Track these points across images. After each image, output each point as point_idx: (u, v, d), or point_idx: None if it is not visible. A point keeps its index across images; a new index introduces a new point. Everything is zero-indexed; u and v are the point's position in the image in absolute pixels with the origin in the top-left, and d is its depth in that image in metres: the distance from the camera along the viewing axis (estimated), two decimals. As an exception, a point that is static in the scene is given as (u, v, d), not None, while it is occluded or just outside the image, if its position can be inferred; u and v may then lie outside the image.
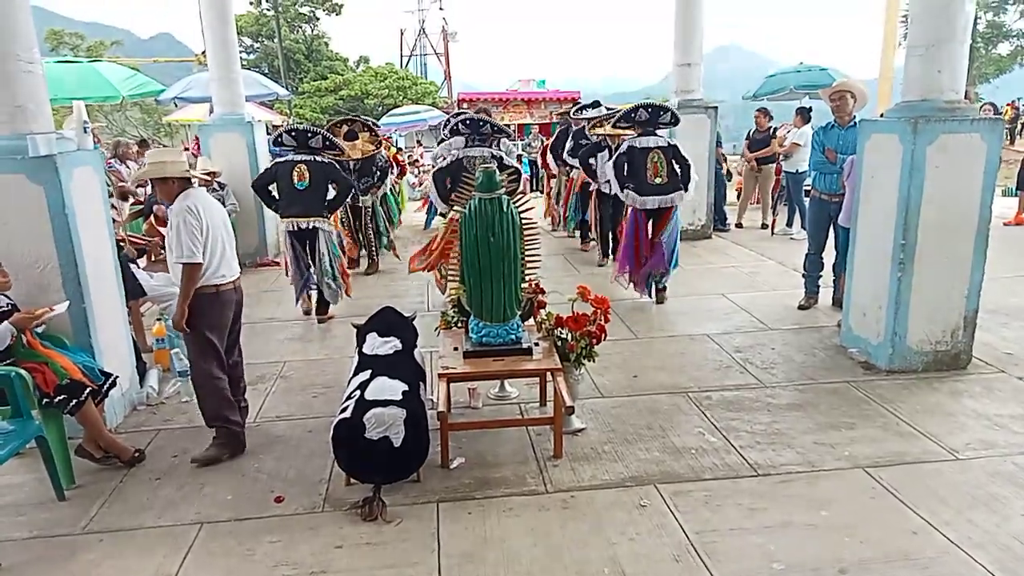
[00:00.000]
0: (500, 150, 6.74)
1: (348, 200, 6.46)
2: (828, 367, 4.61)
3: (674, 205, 6.02)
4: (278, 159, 6.01)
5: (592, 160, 7.23)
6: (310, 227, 5.77)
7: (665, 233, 6.04)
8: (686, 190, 6.06)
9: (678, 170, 6.03)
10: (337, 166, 6.00)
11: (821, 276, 5.90)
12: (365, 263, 7.92)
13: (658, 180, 6.00)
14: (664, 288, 6.31)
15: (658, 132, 6.12)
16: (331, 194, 5.90)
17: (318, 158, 5.86)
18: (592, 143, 7.44)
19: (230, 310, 3.75)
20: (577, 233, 9.01)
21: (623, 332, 5.37)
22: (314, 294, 6.08)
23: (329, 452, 3.37)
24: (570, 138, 8.57)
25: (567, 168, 8.79)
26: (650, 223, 6.10)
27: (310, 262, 5.87)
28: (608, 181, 6.54)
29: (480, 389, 4.17)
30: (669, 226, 6.05)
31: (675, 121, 6.18)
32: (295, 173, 5.76)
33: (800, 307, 5.85)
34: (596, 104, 8.35)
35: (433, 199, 6.83)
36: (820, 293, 5.92)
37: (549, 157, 9.55)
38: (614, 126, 6.66)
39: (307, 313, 6.15)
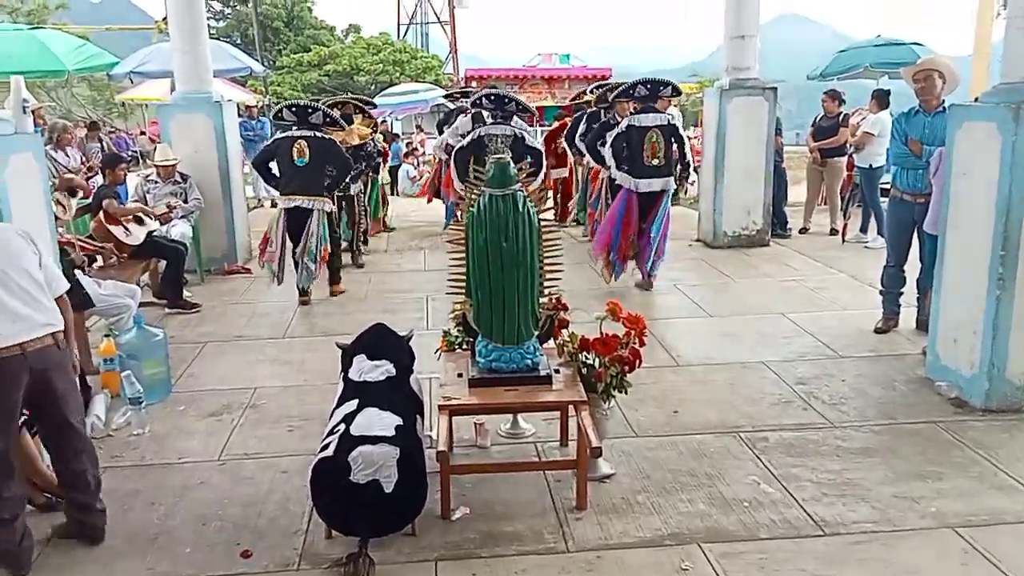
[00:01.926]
0: (524, 129, 7.59)
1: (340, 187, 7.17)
2: (911, 404, 4.57)
3: (667, 189, 6.78)
4: (278, 135, 6.83)
5: (601, 143, 7.36)
6: (307, 206, 6.55)
7: (655, 225, 6.74)
8: (684, 170, 6.97)
9: (675, 151, 6.75)
10: (338, 144, 6.81)
11: (902, 293, 5.87)
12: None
13: (655, 162, 6.70)
14: (653, 276, 7.07)
15: (659, 108, 6.82)
16: (331, 173, 6.69)
17: (318, 134, 6.64)
18: (601, 123, 7.69)
19: (14, 390, 3.01)
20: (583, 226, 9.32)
21: (661, 357, 5.36)
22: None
23: (307, 498, 3.37)
24: (584, 122, 8.75)
25: (581, 156, 9.12)
26: (641, 205, 6.76)
27: (296, 244, 6.60)
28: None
29: (489, 425, 4.16)
30: (659, 213, 6.76)
31: (676, 93, 7.03)
32: (295, 149, 6.55)
33: (877, 330, 5.82)
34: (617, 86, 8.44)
35: (455, 182, 7.76)
36: (901, 314, 5.88)
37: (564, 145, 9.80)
38: (613, 101, 7.35)
39: (304, 303, 6.84)
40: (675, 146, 6.81)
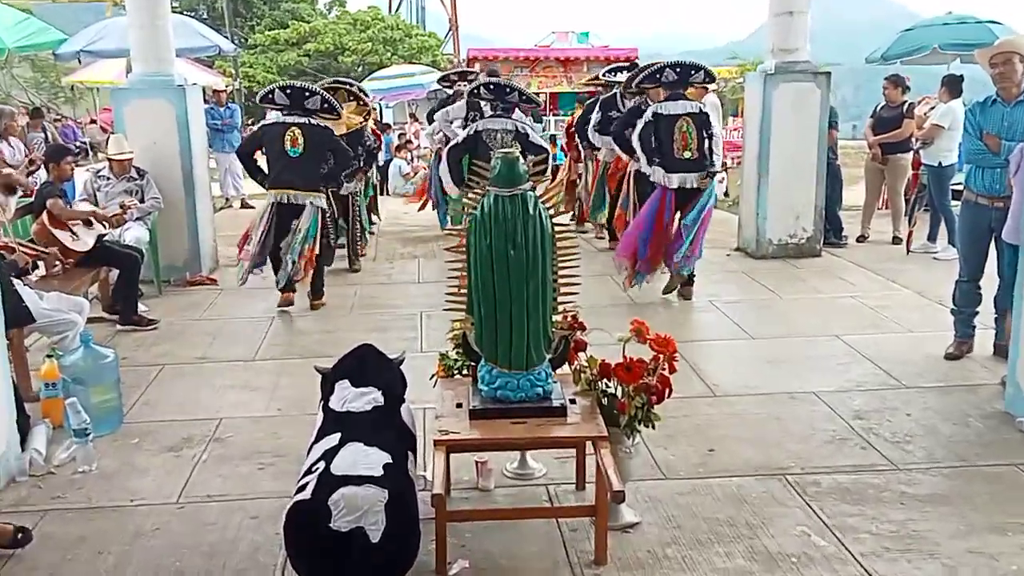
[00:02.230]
0: (526, 124, 7.85)
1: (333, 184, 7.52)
2: (987, 443, 4.55)
3: (704, 187, 6.96)
4: (266, 121, 7.05)
5: (630, 132, 7.44)
6: (300, 202, 6.79)
7: (689, 216, 6.92)
8: (712, 165, 7.02)
9: (707, 143, 6.94)
10: (336, 134, 7.07)
11: (977, 313, 5.86)
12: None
13: (687, 154, 6.90)
14: (691, 281, 7.28)
15: (690, 96, 7.06)
16: (328, 166, 6.97)
17: (314, 121, 6.85)
18: (628, 109, 7.83)
19: None
20: (605, 231, 9.60)
21: (695, 386, 5.35)
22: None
23: (280, 548, 3.37)
24: (596, 110, 8.82)
25: (592, 150, 9.45)
26: (675, 204, 6.98)
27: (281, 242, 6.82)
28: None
29: (493, 464, 4.16)
30: (698, 204, 6.95)
31: (710, 80, 7.26)
32: (287, 137, 6.74)
33: (948, 356, 5.81)
34: (633, 67, 8.59)
35: (445, 184, 8.10)
36: (976, 338, 5.87)
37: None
38: (637, 86, 7.52)
39: (286, 302, 7.08)
40: (706, 139, 7.00)
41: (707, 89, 12.96)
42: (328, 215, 7.20)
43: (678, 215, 7.05)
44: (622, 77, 8.61)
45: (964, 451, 4.46)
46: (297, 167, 6.79)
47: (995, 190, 5.51)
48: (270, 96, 6.98)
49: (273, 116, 7.29)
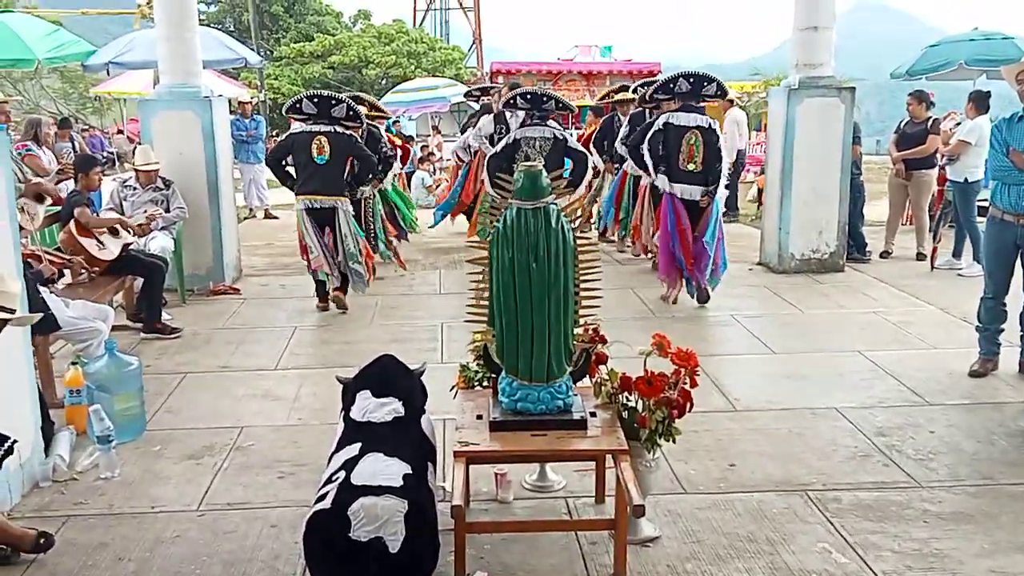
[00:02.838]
0: (565, 130, 8.27)
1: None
2: (1012, 461, 4.50)
3: (711, 200, 7.17)
4: (294, 129, 7.44)
5: (644, 146, 7.58)
6: (328, 206, 7.17)
7: (707, 233, 7.12)
8: (717, 181, 7.20)
9: (713, 157, 7.12)
10: (359, 139, 7.49)
11: (1003, 330, 5.81)
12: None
13: (691, 167, 7.11)
14: (711, 288, 7.42)
15: (702, 110, 7.23)
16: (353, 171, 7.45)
17: (339, 129, 7.25)
18: (643, 125, 7.90)
19: None
20: (625, 241, 9.83)
21: (716, 400, 5.33)
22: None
23: (299, 557, 3.38)
24: (626, 124, 9.16)
25: (613, 163, 9.73)
26: (687, 212, 7.19)
27: (334, 246, 7.23)
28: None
29: (512, 475, 4.15)
30: (710, 222, 7.15)
31: (722, 93, 7.41)
32: (315, 145, 7.13)
33: (972, 374, 5.76)
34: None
35: (488, 189, 8.44)
36: (1001, 355, 5.82)
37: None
38: (651, 97, 7.76)
39: (323, 309, 7.51)
40: (713, 154, 7.17)
41: (732, 103, 13.11)
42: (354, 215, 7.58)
43: (689, 225, 7.29)
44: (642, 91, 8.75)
45: (988, 469, 4.42)
46: (324, 173, 7.17)
47: (1021, 207, 5.46)
48: (298, 106, 7.34)
49: (298, 125, 7.53)
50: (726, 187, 11.40)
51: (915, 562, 3.59)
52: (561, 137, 8.22)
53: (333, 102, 7.29)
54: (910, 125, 9.46)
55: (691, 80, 7.20)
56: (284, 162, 7.51)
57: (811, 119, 8.69)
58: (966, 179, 8.65)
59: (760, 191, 12.09)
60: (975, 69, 12.06)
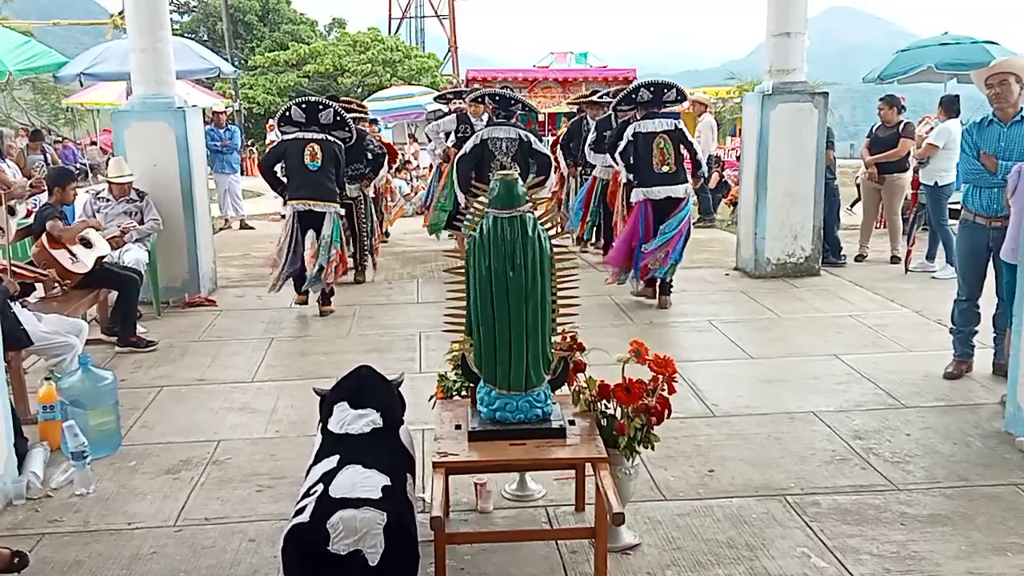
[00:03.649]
0: (529, 132, 8.54)
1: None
2: (987, 463, 4.54)
3: (686, 196, 7.51)
4: (286, 136, 7.64)
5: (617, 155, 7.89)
6: (319, 210, 7.40)
7: (670, 223, 7.38)
8: (696, 168, 7.74)
9: (686, 156, 7.50)
10: (342, 149, 7.68)
11: (976, 332, 5.86)
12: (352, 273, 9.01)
13: (665, 168, 7.41)
14: (668, 291, 7.74)
15: (663, 114, 7.55)
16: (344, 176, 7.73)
17: (330, 137, 7.55)
18: (618, 125, 8.15)
19: None
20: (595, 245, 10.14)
21: (694, 406, 5.35)
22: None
23: (278, 571, 3.35)
24: (593, 130, 9.46)
25: (587, 168, 10.02)
26: (655, 215, 7.46)
27: (305, 250, 7.40)
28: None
29: (491, 485, 4.15)
30: (678, 215, 7.44)
31: (682, 98, 7.63)
32: (307, 152, 7.41)
33: (947, 376, 5.80)
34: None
35: (458, 194, 8.76)
36: (975, 357, 5.87)
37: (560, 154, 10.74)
38: (614, 109, 8.16)
39: (303, 302, 7.74)
40: (685, 152, 7.56)
41: (705, 107, 13.29)
42: (344, 223, 7.83)
43: (659, 221, 7.53)
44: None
45: (964, 471, 4.45)
46: (316, 179, 7.42)
47: (992, 210, 5.52)
48: (287, 114, 7.58)
49: (290, 132, 7.65)
50: (700, 191, 11.64)
51: (893, 565, 3.61)
52: (526, 139, 8.44)
53: (320, 107, 7.53)
54: (882, 129, 9.55)
55: (651, 89, 7.56)
56: (275, 168, 7.78)
57: (785, 124, 8.76)
58: (936, 183, 8.74)
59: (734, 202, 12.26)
60: (945, 73, 12.19)
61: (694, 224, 12.54)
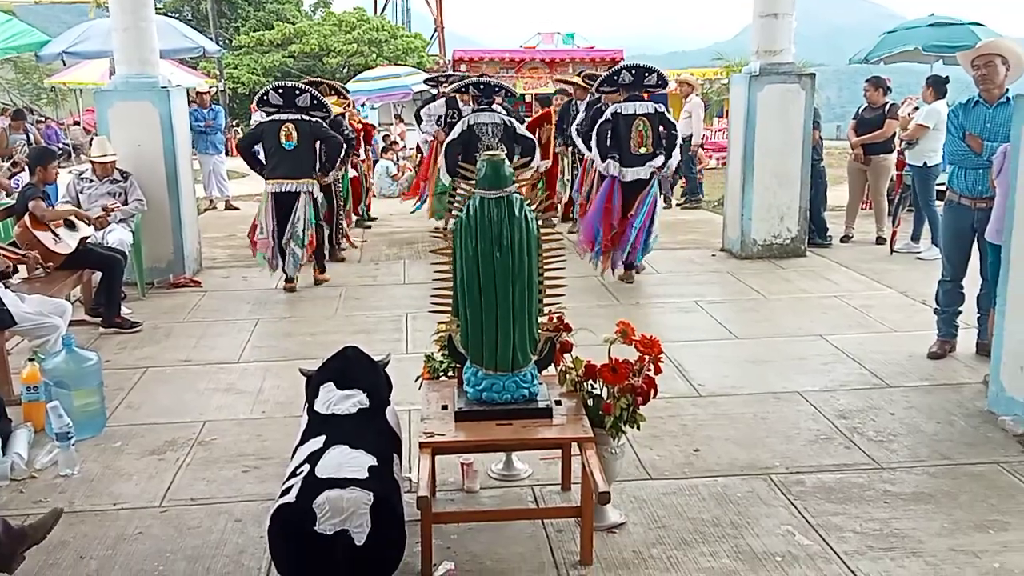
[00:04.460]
0: (512, 117, 8.87)
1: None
2: (970, 442, 4.57)
3: (652, 178, 7.72)
4: (263, 119, 7.87)
5: (592, 134, 8.05)
6: (295, 190, 7.61)
7: (638, 218, 7.62)
8: (669, 157, 7.78)
9: (663, 136, 7.68)
10: (325, 124, 7.89)
11: (960, 313, 5.90)
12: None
13: (643, 150, 7.63)
14: (634, 267, 7.94)
15: (645, 97, 7.76)
16: (321, 157, 7.86)
17: (306, 117, 7.68)
18: (594, 110, 8.34)
19: None
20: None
21: (680, 386, 5.36)
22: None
23: (264, 551, 3.36)
24: (583, 111, 9.39)
25: (568, 147, 10.23)
26: (623, 197, 7.67)
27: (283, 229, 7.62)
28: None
29: (478, 465, 4.15)
30: (645, 202, 7.65)
31: (663, 83, 7.84)
32: (282, 132, 7.59)
33: (931, 356, 5.84)
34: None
35: (442, 175, 9.15)
36: (959, 337, 5.91)
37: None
38: (597, 90, 8.22)
39: (291, 290, 7.85)
40: (663, 130, 7.73)
41: (692, 88, 13.32)
42: (319, 200, 7.98)
43: (627, 204, 7.73)
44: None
45: (947, 450, 4.49)
46: (292, 159, 7.61)
47: (977, 191, 5.54)
48: (265, 97, 7.77)
49: (267, 114, 7.81)
50: (687, 174, 11.73)
51: (876, 542, 3.64)
52: (510, 124, 8.74)
53: (297, 92, 7.70)
54: (868, 111, 9.56)
55: (633, 72, 7.70)
56: (254, 149, 7.93)
57: (772, 105, 8.75)
58: (925, 163, 8.76)
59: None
60: (932, 55, 12.20)
61: (680, 206, 12.71)
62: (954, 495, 4.02)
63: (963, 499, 3.98)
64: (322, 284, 8.09)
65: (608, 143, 7.68)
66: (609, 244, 7.76)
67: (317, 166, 7.87)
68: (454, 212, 3.69)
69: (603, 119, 7.73)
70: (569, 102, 10.53)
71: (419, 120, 11.13)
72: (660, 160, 7.72)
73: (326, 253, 8.50)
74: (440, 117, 10.28)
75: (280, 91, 7.71)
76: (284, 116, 7.64)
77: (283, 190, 7.62)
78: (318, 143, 7.82)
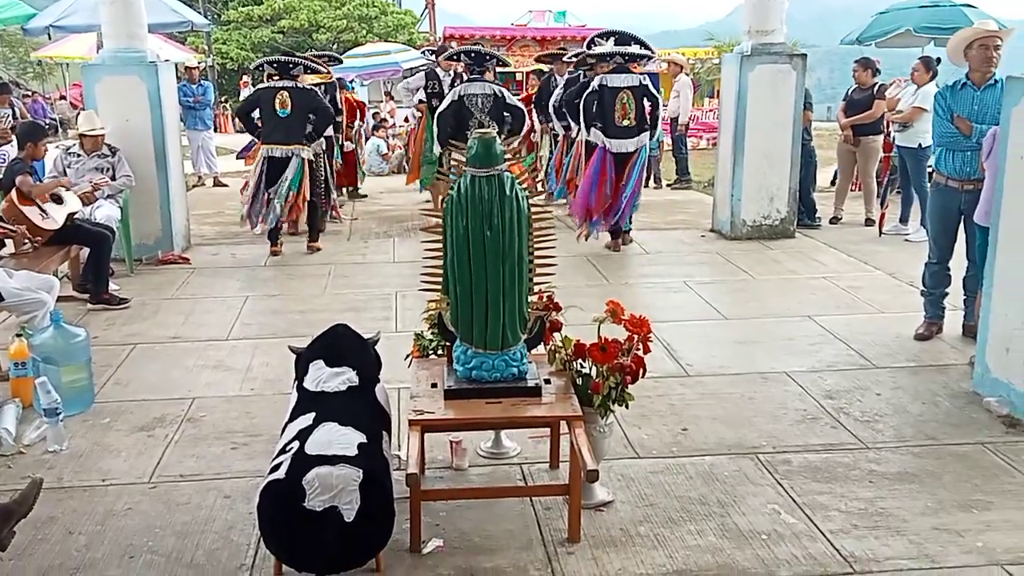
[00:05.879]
0: (503, 87, 9.05)
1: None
2: (955, 422, 4.61)
3: (640, 148, 7.97)
4: (260, 86, 8.55)
5: (577, 101, 8.29)
6: (288, 155, 8.04)
7: (628, 186, 7.94)
8: (653, 129, 8.14)
9: (648, 109, 7.93)
10: (317, 93, 8.47)
11: (947, 295, 5.93)
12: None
13: (626, 123, 7.89)
14: (627, 231, 8.36)
15: (633, 69, 8.06)
16: (311, 123, 8.23)
17: (299, 84, 8.21)
18: (579, 83, 8.59)
19: None
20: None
21: (669, 366, 5.38)
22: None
23: (254, 527, 3.37)
24: (561, 86, 9.62)
25: (547, 123, 10.38)
26: (615, 164, 7.91)
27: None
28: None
29: (467, 443, 4.17)
30: (634, 172, 7.96)
31: (648, 50, 8.22)
32: (277, 100, 8.06)
33: (918, 337, 5.87)
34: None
35: (430, 144, 9.43)
36: (946, 319, 5.94)
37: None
38: (582, 62, 8.66)
39: (276, 254, 8.31)
40: (648, 105, 7.98)
41: (681, 68, 13.32)
42: (313, 164, 8.40)
43: (615, 176, 7.99)
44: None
45: (932, 430, 4.52)
46: (285, 125, 8.08)
47: (965, 173, 5.55)
48: (261, 69, 8.61)
49: (247, 91, 8.31)
50: (676, 154, 11.78)
51: (861, 521, 3.67)
52: (500, 94, 8.87)
53: (290, 65, 8.27)
54: (857, 92, 9.55)
55: (616, 37, 8.29)
56: (251, 114, 8.36)
57: (763, 86, 8.74)
58: (920, 144, 8.71)
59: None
60: (924, 36, 12.17)
61: (671, 186, 12.70)
62: (938, 475, 4.05)
63: (947, 479, 4.02)
64: (314, 252, 8.45)
65: (592, 113, 7.92)
66: (601, 213, 8.00)
67: (309, 134, 8.26)
68: (441, 186, 3.69)
69: (589, 90, 7.95)
70: (549, 78, 10.56)
71: (402, 95, 11.33)
72: (646, 136, 8.00)
73: (322, 226, 9.00)
74: (418, 89, 10.65)
75: (275, 65, 8.29)
76: (280, 84, 8.11)
77: (276, 155, 8.06)
78: (310, 112, 8.20)
